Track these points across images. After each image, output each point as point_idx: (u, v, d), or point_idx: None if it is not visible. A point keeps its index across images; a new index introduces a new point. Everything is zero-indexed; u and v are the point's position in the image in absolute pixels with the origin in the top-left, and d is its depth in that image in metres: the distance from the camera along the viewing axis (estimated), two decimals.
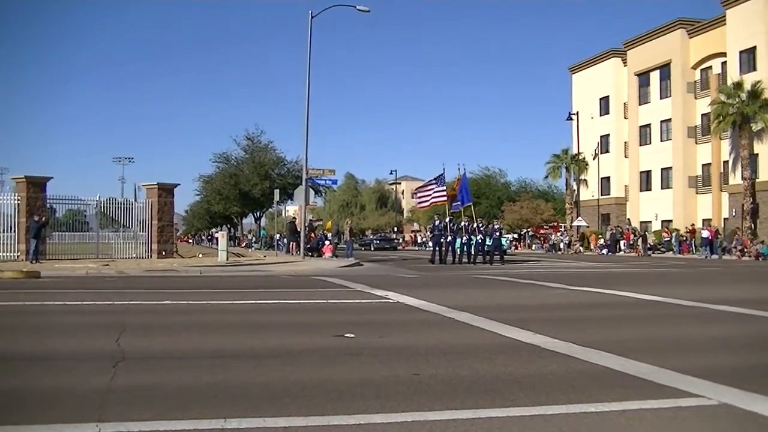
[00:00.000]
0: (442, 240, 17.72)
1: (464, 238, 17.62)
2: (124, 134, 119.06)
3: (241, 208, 43.59)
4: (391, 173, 65.29)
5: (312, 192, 22.22)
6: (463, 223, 17.92)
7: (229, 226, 63.22)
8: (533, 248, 39.88)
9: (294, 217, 28.29)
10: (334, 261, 20.35)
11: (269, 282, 11.15)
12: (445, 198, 18.54)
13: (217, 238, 27.78)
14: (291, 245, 25.51)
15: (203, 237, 77.32)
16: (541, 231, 42.82)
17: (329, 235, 25.14)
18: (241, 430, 2.96)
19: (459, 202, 18.46)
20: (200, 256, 23.56)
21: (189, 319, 6.20)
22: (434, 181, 18.79)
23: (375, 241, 38.78)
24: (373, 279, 11.67)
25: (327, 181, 24.58)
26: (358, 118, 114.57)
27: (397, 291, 8.82)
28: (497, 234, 17.90)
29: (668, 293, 8.48)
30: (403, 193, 75.80)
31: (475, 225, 18.08)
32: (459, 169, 19.09)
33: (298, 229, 23.64)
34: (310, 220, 31.96)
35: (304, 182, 21.16)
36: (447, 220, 18.05)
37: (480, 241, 17.69)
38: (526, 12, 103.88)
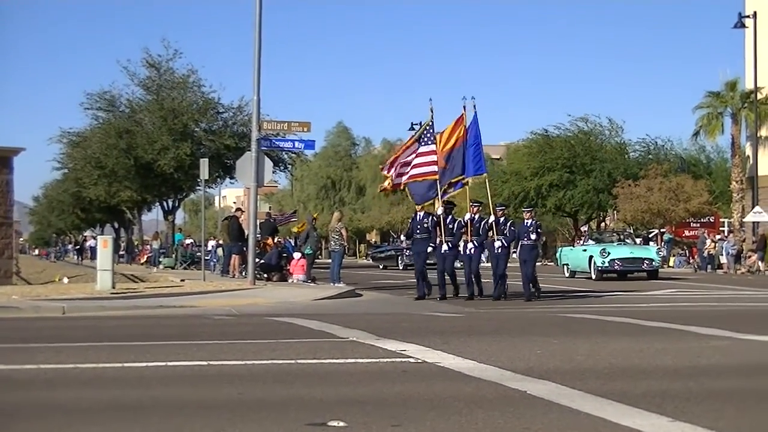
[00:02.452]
0: (446, 250, 17.15)
1: (499, 243, 17.11)
2: None
3: (140, 194, 43.14)
4: (411, 129, 65.26)
5: (270, 163, 21.86)
6: (492, 219, 17.36)
7: (117, 225, 63.00)
8: (672, 262, 39.71)
9: (238, 209, 28.15)
10: (308, 288, 20.66)
11: (191, 328, 11.22)
12: (435, 168, 17.60)
13: (94, 249, 27.17)
14: (232, 261, 25.46)
15: (68, 246, 76.64)
16: (686, 233, 42.58)
17: (299, 241, 24.92)
18: None
19: (462, 175, 17.56)
20: (63, 280, 23.37)
21: (35, 402, 5.97)
22: (420, 142, 17.87)
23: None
24: (380, 321, 12.15)
25: (297, 144, 24.24)
26: (356, 52, 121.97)
27: (423, 343, 8.81)
28: (530, 236, 17.30)
29: None
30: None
31: (492, 220, 17.45)
32: (464, 106, 17.52)
33: (245, 232, 23.56)
34: (269, 214, 32.10)
35: (254, 144, 21.15)
36: (440, 211, 17.47)
37: (500, 250, 17.18)
38: None
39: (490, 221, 17.33)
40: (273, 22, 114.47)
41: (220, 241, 30.86)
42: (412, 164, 17.85)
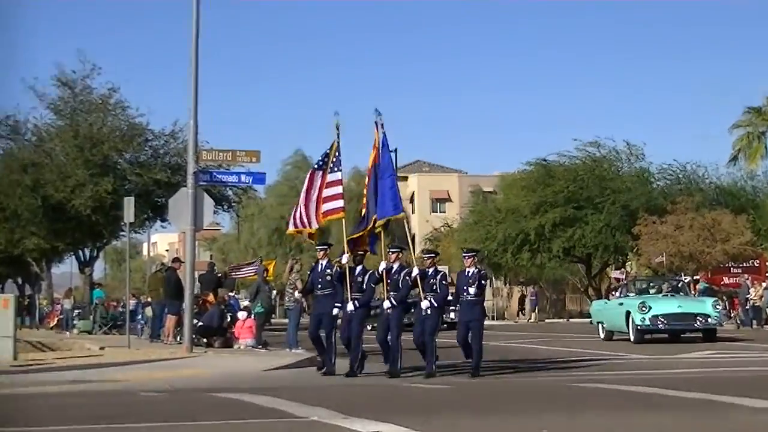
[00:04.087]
0: (352, 310, 16.52)
1: (426, 304, 16.25)
2: None
3: (49, 241, 42.29)
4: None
5: (210, 202, 21.89)
6: (416, 271, 16.50)
7: (20, 281, 62.18)
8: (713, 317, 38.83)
9: (176, 260, 28.00)
10: (258, 355, 20.68)
11: (114, 408, 11.12)
12: (341, 203, 17.37)
13: None
14: (167, 323, 25.25)
15: None
16: (725, 280, 41.72)
17: (246, 299, 24.91)
18: None
19: (375, 215, 16.90)
20: None
21: None
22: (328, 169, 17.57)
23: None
24: (347, 394, 12.27)
25: (244, 178, 24.29)
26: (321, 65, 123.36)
27: (402, 422, 8.70)
28: (470, 290, 16.29)
29: None
30: (413, 199, 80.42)
31: (417, 272, 16.49)
32: (376, 122, 17.02)
33: (183, 286, 23.46)
34: (211, 264, 31.95)
35: (190, 179, 21.21)
36: (344, 259, 16.79)
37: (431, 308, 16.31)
38: None
39: (413, 273, 16.36)
40: (213, 31, 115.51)
41: (149, 299, 30.67)
42: (323, 197, 17.44)
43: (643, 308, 25.48)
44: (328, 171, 17.48)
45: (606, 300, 32.26)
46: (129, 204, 23.95)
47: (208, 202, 21.72)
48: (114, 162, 38.51)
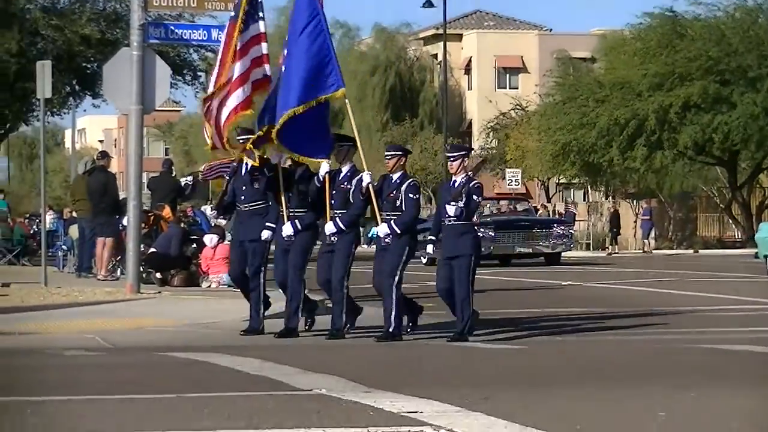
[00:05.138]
0: (290, 235, 16.52)
1: (384, 229, 16.21)
2: None
3: None
4: (425, 5, 65.57)
5: (166, 70, 21.90)
6: (367, 178, 16.32)
7: None
8: None
9: (102, 154, 28.08)
10: (236, 298, 20.40)
11: (24, 373, 11.29)
12: (266, 70, 17.29)
13: None
14: (100, 247, 25.43)
15: None
16: None
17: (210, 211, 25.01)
18: None
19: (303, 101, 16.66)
20: None
21: None
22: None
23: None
24: (368, 358, 12.82)
25: (215, 34, 24.16)
26: None
27: (448, 399, 8.83)
28: (451, 206, 16.03)
29: None
30: (469, 68, 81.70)
31: (367, 181, 16.39)
32: None
33: (120, 196, 23.59)
34: (168, 161, 31.91)
35: (135, 35, 21.27)
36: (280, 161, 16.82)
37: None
38: None
39: (365, 182, 16.38)
40: None
41: (75, 214, 30.83)
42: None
43: None
44: (240, 22, 16.99)
45: None
46: (44, 71, 23.95)
47: (163, 70, 21.81)
48: (20, 8, 38.61)
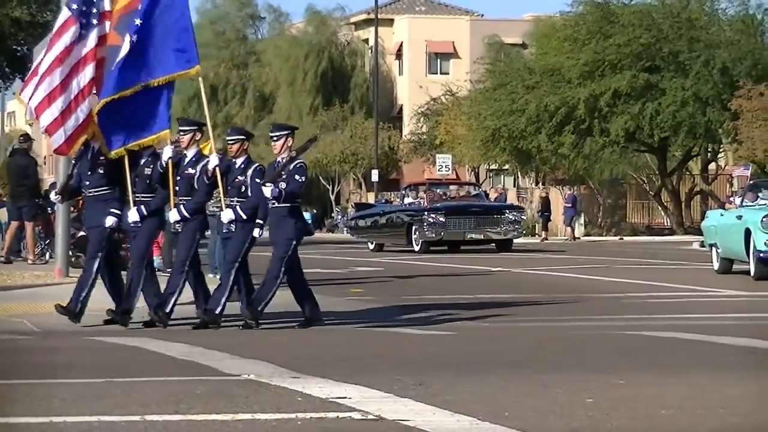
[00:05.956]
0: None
1: (229, 214, 16.15)
2: None
3: None
4: None
5: None
6: (213, 161, 16.12)
7: None
8: None
9: (25, 139, 27.86)
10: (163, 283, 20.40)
11: None
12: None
13: None
14: (31, 231, 25.28)
15: None
16: None
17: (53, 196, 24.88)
18: None
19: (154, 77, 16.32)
20: None
21: None
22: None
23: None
24: (299, 344, 12.48)
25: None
26: None
27: (377, 384, 8.91)
28: (270, 190, 15.78)
29: None
30: (400, 54, 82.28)
31: (214, 163, 16.16)
32: None
33: (41, 178, 23.40)
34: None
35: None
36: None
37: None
38: None
39: (210, 166, 16.05)
40: None
41: (2, 197, 30.60)
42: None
43: (766, 225, 23.88)
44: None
45: (722, 212, 30.02)
46: None
47: None
48: None
